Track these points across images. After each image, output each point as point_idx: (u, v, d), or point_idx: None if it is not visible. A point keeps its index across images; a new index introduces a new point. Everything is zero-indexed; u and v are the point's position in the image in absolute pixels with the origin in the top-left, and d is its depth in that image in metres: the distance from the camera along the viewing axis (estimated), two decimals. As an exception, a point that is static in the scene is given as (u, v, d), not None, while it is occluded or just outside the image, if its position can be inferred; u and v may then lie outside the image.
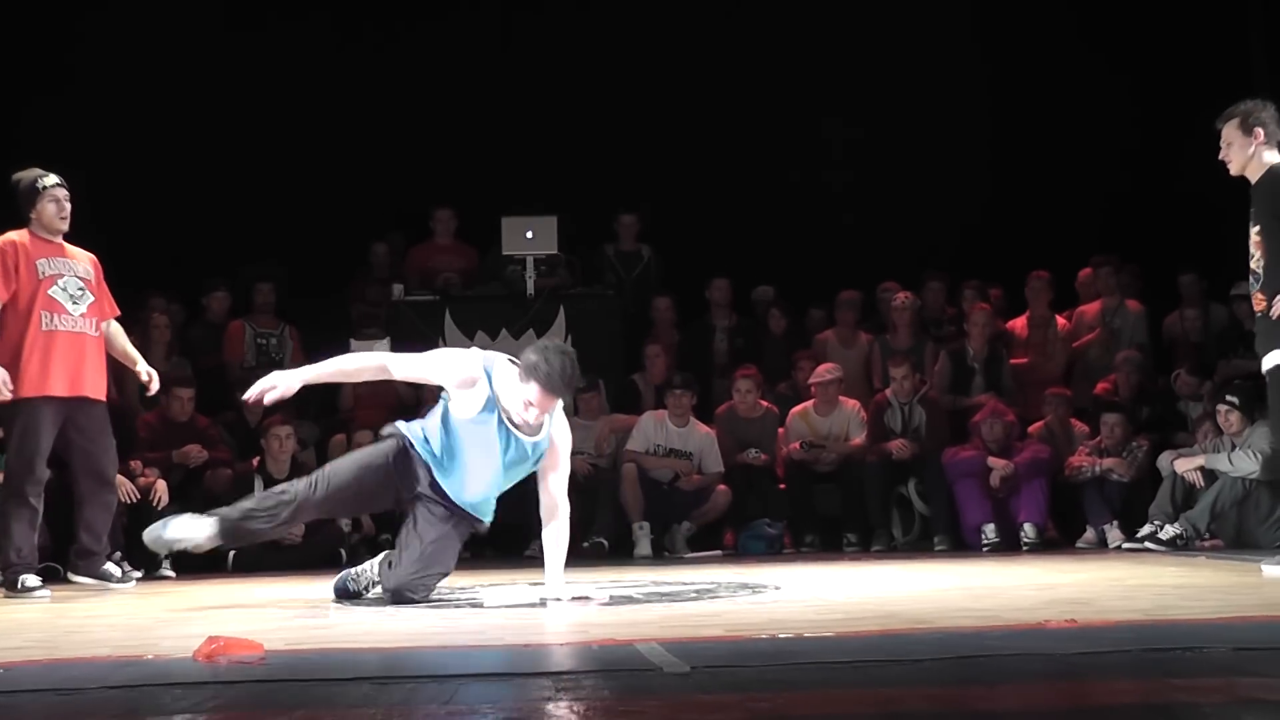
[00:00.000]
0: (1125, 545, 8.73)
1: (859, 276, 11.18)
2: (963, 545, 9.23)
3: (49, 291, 7.01)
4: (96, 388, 7.18)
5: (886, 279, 11.12)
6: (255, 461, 9.09)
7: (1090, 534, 9.13)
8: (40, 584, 7.03)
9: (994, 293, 10.97)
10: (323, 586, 6.90)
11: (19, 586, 6.96)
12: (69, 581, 7.56)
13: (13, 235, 7.09)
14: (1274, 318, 6.28)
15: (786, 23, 11.84)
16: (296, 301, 10.92)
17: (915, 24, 11.73)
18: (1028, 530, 9.07)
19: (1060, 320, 10.72)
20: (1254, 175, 6.41)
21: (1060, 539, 9.31)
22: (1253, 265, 6.39)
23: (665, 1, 11.96)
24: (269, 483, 8.95)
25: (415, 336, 10.57)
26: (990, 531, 9.08)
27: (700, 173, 11.81)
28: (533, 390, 5.67)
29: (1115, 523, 9.00)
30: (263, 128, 11.51)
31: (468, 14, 11.91)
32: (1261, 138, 6.39)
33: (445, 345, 10.54)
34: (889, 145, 11.87)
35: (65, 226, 7.16)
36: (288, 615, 5.63)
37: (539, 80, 11.86)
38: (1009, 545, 9.03)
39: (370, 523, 9.27)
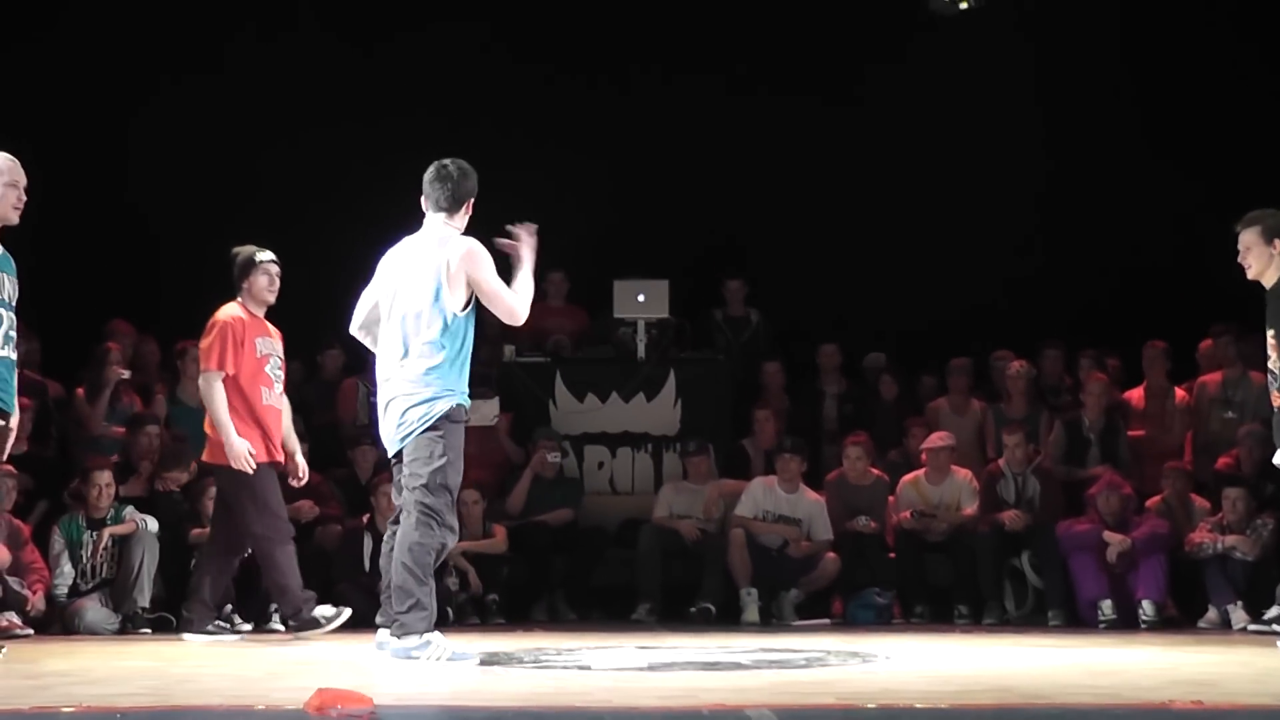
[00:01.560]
0: (1251, 627, 8.47)
1: (972, 344, 11.05)
2: (1077, 621, 9.03)
3: (266, 369, 7.59)
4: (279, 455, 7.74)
5: (1000, 347, 10.99)
6: (365, 518, 9.13)
7: (1213, 614, 8.86)
8: (229, 628, 7.71)
9: (1112, 362, 10.77)
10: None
11: (202, 629, 7.53)
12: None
13: (234, 311, 7.57)
14: None
15: (892, 87, 11.77)
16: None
17: (1029, 94, 11.63)
18: (1146, 608, 8.83)
19: (1179, 392, 10.51)
20: (1269, 281, 6.79)
21: (1180, 618, 9.04)
22: (1270, 366, 6.76)
23: (772, 70, 11.96)
24: (378, 539, 8.99)
25: (526, 397, 10.64)
26: (1107, 608, 8.87)
27: (808, 237, 11.78)
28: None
29: (1239, 603, 8.72)
30: (384, 188, 11.65)
31: (581, 79, 11.98)
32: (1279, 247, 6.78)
33: (556, 407, 10.63)
34: (1004, 213, 11.76)
35: (272, 299, 7.67)
36: (397, 670, 5.63)
37: (648, 145, 11.91)
38: (1126, 622, 8.81)
39: (477, 580, 9.27)
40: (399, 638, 5.87)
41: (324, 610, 7.66)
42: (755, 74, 11.95)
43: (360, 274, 6.58)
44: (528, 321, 11.05)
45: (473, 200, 6.32)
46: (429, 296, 6.01)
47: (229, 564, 7.71)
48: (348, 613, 7.69)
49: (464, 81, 11.96)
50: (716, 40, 11.96)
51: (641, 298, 10.66)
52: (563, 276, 11.34)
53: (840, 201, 11.81)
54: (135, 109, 11.29)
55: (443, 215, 6.25)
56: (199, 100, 11.44)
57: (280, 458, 7.64)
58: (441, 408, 5.97)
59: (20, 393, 6.48)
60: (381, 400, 6.14)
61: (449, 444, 5.97)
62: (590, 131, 11.92)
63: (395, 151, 11.57)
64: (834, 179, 11.82)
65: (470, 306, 6.11)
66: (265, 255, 7.63)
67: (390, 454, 6.22)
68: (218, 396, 7.40)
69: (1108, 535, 9.03)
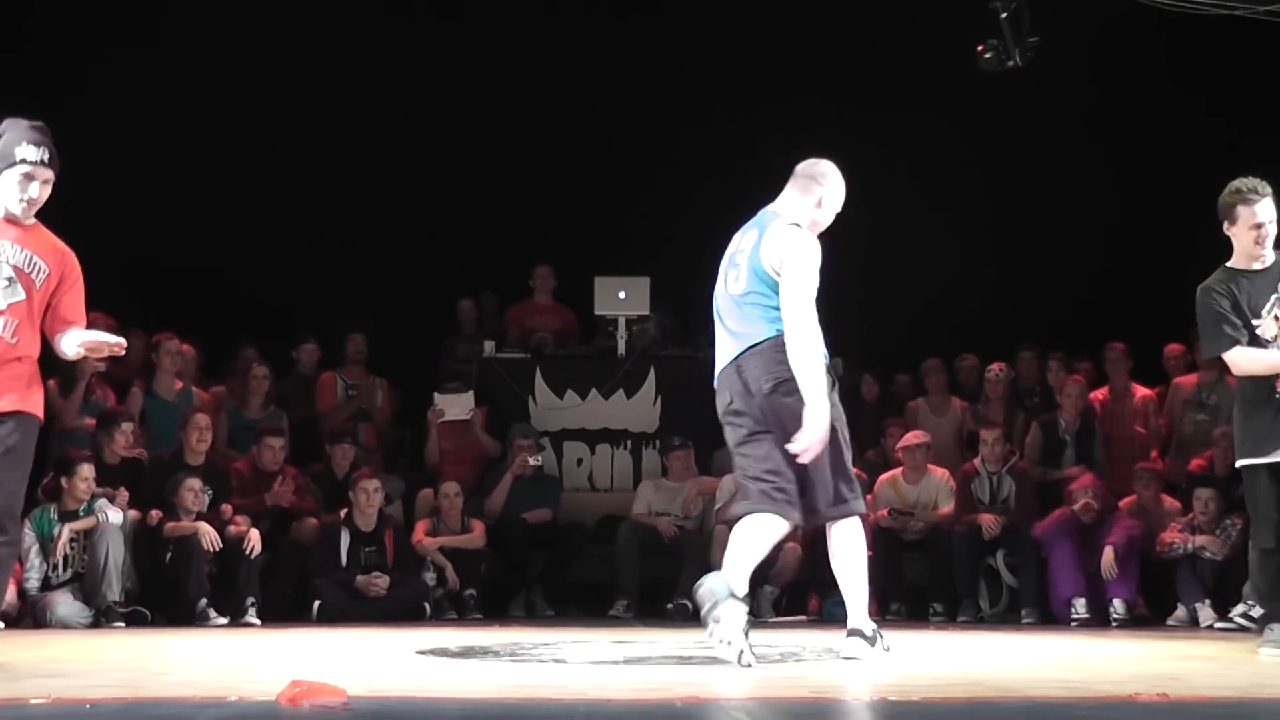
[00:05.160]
0: (1217, 624, 8.55)
1: (941, 345, 11.10)
2: (1050, 619, 9.08)
3: None
4: None
5: (967, 350, 11.07)
6: (342, 513, 9.14)
7: (1181, 612, 8.94)
8: None
9: (1083, 366, 10.82)
10: (405, 638, 6.91)
11: None
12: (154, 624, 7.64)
13: None
14: None
15: (877, 93, 11.79)
16: (388, 356, 11.00)
17: (1012, 99, 11.64)
18: (1117, 606, 8.91)
19: (1142, 391, 10.55)
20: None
21: (1150, 616, 9.14)
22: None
23: (758, 71, 11.97)
24: (355, 535, 9.02)
25: (504, 393, 10.65)
26: (1080, 606, 8.94)
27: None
28: None
29: (1208, 601, 8.80)
30: (365, 183, 11.69)
31: (569, 76, 11.99)
32: None
33: (535, 404, 10.64)
34: (977, 215, 11.82)
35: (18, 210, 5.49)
36: (371, 664, 5.64)
37: (635, 142, 11.93)
38: (1098, 621, 8.88)
39: (455, 576, 9.29)
40: None
41: None
42: (751, 77, 11.95)
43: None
44: (515, 317, 11.23)
45: None
46: None
47: None
48: None
49: (453, 75, 11.97)
50: (737, 79, 11.96)
51: (622, 294, 10.67)
52: (550, 271, 11.32)
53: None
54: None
55: None
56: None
57: None
58: None
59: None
60: None
61: None
62: (584, 127, 11.93)
63: (376, 154, 11.69)
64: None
65: None
66: (30, 153, 5.43)
67: None
68: None
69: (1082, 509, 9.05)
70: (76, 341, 5.47)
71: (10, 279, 5.45)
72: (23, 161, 5.40)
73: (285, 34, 11.32)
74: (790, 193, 6.07)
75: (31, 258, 5.48)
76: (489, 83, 11.91)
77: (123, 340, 5.58)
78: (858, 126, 11.76)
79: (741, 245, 5.92)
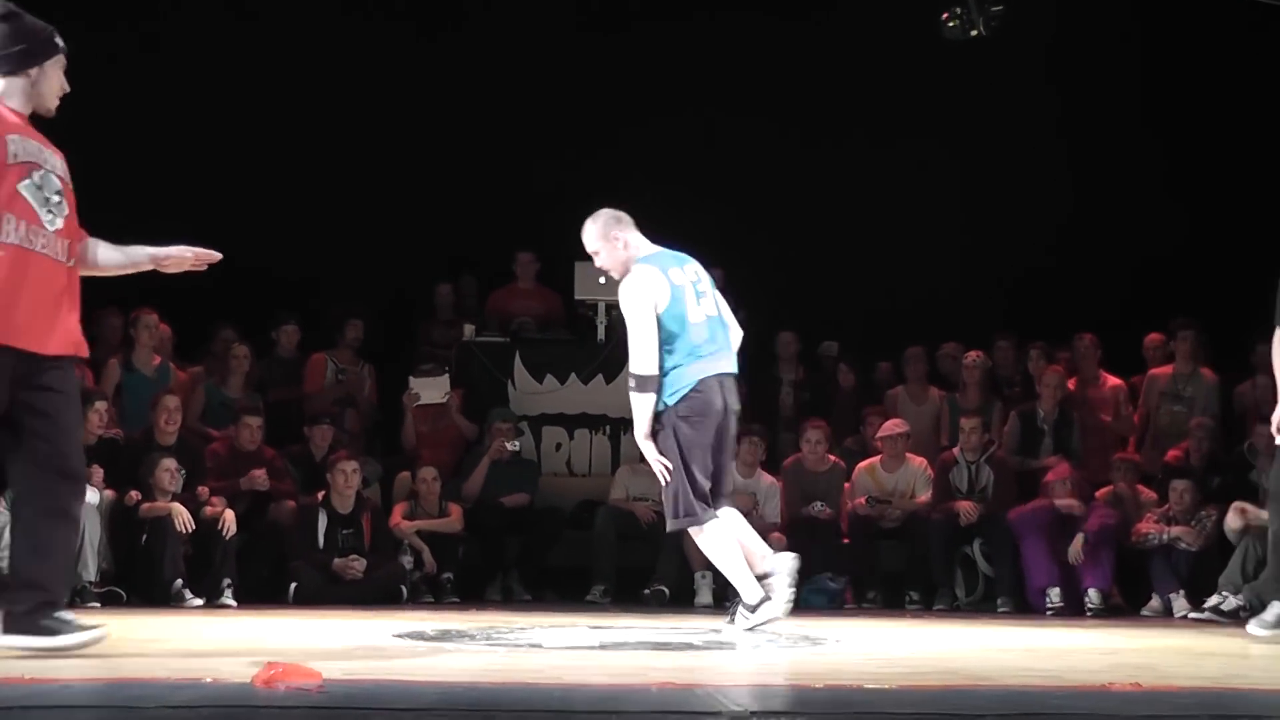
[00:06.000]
0: (1191, 615, 8.61)
1: (923, 334, 11.13)
2: (1026, 608, 9.13)
3: (19, 186, 4.64)
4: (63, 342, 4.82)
5: (946, 339, 11.10)
6: (320, 495, 9.13)
7: (1156, 602, 9.00)
8: None
9: (1063, 355, 10.86)
10: (382, 621, 6.91)
11: None
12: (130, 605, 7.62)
13: None
14: None
15: (856, 79, 11.80)
16: (365, 338, 10.97)
17: (987, 81, 11.65)
18: (1092, 596, 8.96)
19: (1113, 380, 10.60)
20: None
21: (1125, 606, 9.19)
22: None
23: (738, 59, 11.98)
24: (333, 517, 9.01)
25: (483, 377, 10.64)
26: (1055, 595, 8.98)
27: (768, 225, 11.82)
28: None
29: (1182, 592, 8.87)
30: (349, 166, 11.66)
31: (550, 61, 11.97)
32: None
33: (514, 388, 10.63)
34: (960, 204, 11.84)
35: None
36: (347, 647, 5.64)
37: (617, 129, 11.92)
38: (1073, 610, 8.92)
39: (432, 559, 9.28)
40: None
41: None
42: (734, 81, 11.96)
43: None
44: (496, 302, 11.23)
45: None
46: None
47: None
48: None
49: (439, 59, 11.93)
50: (712, 54, 11.94)
51: (603, 280, 10.62)
52: (533, 257, 11.31)
53: (799, 188, 11.86)
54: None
55: None
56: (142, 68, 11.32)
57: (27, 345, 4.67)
58: None
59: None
60: None
61: None
62: (572, 119, 11.91)
63: (363, 138, 11.66)
64: (793, 166, 11.87)
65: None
66: (62, 40, 4.83)
67: None
68: None
69: (1061, 504, 9.11)
70: (149, 253, 4.90)
71: (59, 192, 4.69)
72: (63, 51, 4.75)
73: (271, 18, 11.30)
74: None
75: (63, 164, 4.79)
76: (477, 74, 11.87)
77: (216, 254, 5.03)
78: (840, 116, 11.81)
79: (699, 275, 6.59)
